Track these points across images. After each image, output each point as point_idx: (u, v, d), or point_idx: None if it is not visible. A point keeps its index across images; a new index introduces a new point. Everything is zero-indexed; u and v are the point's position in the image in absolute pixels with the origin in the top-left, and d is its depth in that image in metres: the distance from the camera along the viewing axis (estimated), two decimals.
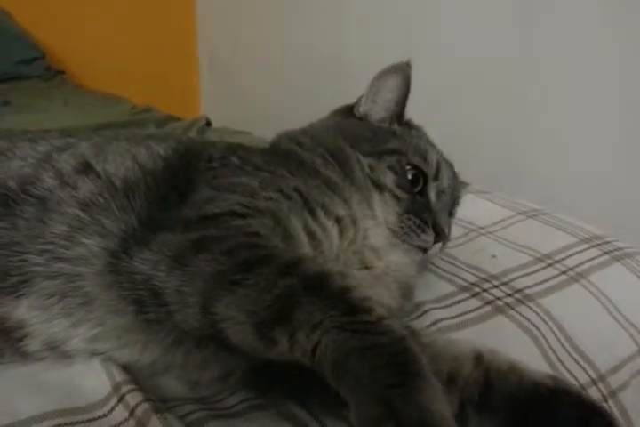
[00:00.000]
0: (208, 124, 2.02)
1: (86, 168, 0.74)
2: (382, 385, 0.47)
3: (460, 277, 0.90)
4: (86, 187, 0.71)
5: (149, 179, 0.73)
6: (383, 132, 0.88)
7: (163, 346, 0.66)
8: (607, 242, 1.00)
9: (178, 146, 0.82)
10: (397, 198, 0.81)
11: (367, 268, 0.76)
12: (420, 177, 0.84)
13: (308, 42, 2.58)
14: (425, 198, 0.84)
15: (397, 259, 0.79)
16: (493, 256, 0.95)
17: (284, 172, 0.77)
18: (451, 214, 0.91)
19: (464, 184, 1.02)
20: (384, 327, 0.51)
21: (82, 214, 0.68)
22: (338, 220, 0.75)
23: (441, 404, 0.46)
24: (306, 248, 0.69)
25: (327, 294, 0.54)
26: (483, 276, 0.89)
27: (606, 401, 0.72)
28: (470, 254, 0.96)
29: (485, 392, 0.62)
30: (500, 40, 1.85)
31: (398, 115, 0.90)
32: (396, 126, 0.90)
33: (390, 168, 0.82)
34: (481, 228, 1.06)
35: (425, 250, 0.81)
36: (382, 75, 0.88)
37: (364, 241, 0.77)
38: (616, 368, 0.76)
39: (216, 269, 0.58)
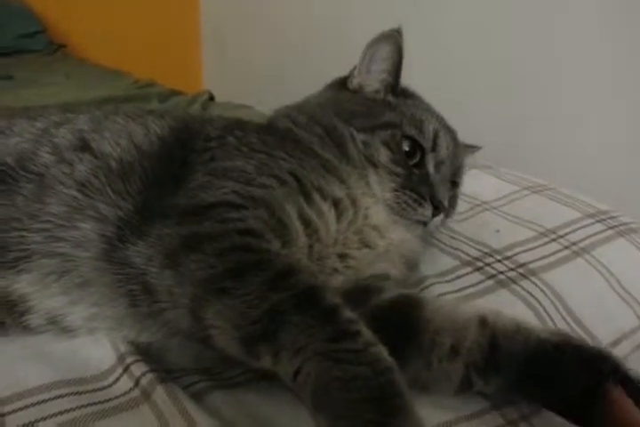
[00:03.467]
0: (211, 98, 2.00)
1: (83, 145, 0.74)
2: (361, 421, 0.46)
3: (464, 252, 0.90)
4: (82, 166, 0.71)
5: (145, 161, 0.73)
6: (377, 105, 0.85)
7: (156, 336, 0.67)
8: (612, 217, 0.99)
9: (175, 123, 0.81)
10: (393, 174, 0.80)
11: (368, 247, 0.76)
12: (417, 149, 0.82)
13: (310, 14, 2.54)
14: (423, 171, 0.82)
15: (400, 236, 0.79)
16: (497, 231, 0.95)
17: (280, 153, 0.76)
18: (455, 183, 0.89)
19: (475, 148, 1.01)
20: (369, 356, 0.50)
21: (79, 196, 0.68)
22: (335, 202, 0.74)
23: None
24: (301, 237, 0.69)
25: (315, 313, 0.53)
26: (486, 250, 0.89)
27: None
28: (474, 229, 0.96)
29: (490, 356, 0.62)
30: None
31: (393, 85, 0.87)
32: (390, 97, 0.87)
33: (384, 143, 0.80)
34: (485, 202, 1.06)
35: (425, 223, 0.80)
36: (372, 44, 0.85)
37: (364, 221, 0.76)
38: (617, 341, 0.77)
39: (206, 274, 0.58)
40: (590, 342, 0.75)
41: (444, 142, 0.85)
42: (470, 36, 1.92)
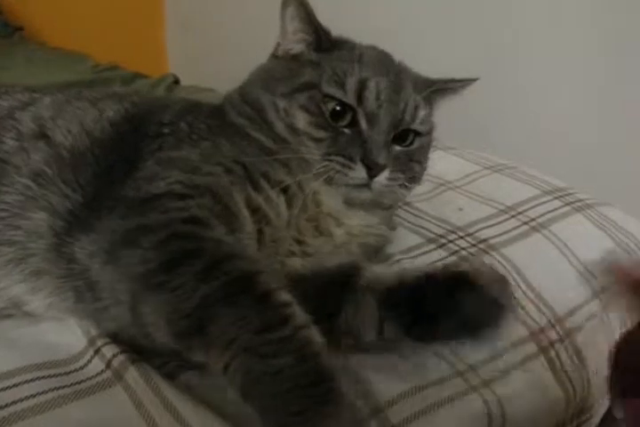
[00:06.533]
0: (176, 81, 1.98)
1: (40, 132, 0.73)
2: (286, 413, 0.47)
3: (428, 230, 0.92)
4: (37, 155, 0.70)
5: (97, 148, 0.71)
6: (297, 66, 0.79)
7: (110, 329, 0.67)
8: (569, 194, 1.03)
9: (131, 107, 0.79)
10: (316, 140, 0.73)
11: (324, 235, 0.74)
12: (346, 107, 0.74)
13: None
14: (356, 128, 0.74)
15: (360, 221, 0.77)
16: (460, 209, 0.98)
17: (222, 140, 0.73)
18: (409, 132, 0.79)
19: (466, 82, 0.88)
20: (297, 342, 0.50)
21: (32, 185, 0.68)
22: (283, 188, 0.71)
23: None
24: (248, 225, 0.68)
25: (245, 302, 0.53)
26: (449, 228, 0.92)
27: (563, 341, 0.76)
28: (438, 208, 0.98)
29: (389, 297, 0.65)
30: None
31: (315, 41, 0.79)
32: (313, 54, 0.79)
33: (301, 107, 0.74)
34: (449, 182, 1.08)
35: (367, 186, 0.73)
36: (281, 8, 0.78)
37: (317, 208, 0.73)
38: (572, 312, 0.80)
39: (143, 268, 0.57)
40: (547, 312, 0.79)
41: (373, 92, 0.74)
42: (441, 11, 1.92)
